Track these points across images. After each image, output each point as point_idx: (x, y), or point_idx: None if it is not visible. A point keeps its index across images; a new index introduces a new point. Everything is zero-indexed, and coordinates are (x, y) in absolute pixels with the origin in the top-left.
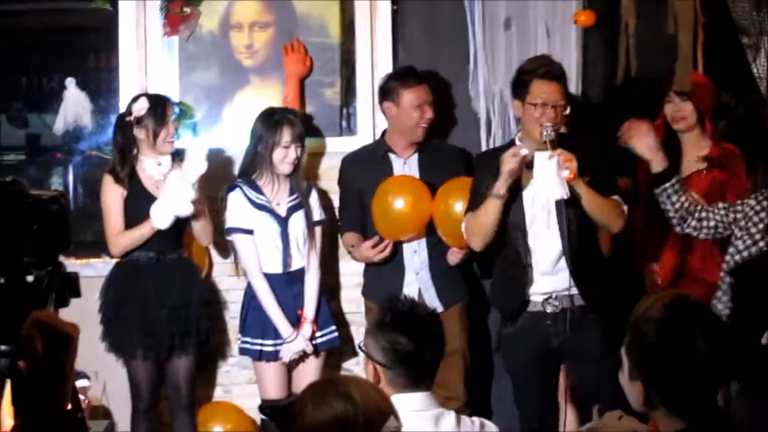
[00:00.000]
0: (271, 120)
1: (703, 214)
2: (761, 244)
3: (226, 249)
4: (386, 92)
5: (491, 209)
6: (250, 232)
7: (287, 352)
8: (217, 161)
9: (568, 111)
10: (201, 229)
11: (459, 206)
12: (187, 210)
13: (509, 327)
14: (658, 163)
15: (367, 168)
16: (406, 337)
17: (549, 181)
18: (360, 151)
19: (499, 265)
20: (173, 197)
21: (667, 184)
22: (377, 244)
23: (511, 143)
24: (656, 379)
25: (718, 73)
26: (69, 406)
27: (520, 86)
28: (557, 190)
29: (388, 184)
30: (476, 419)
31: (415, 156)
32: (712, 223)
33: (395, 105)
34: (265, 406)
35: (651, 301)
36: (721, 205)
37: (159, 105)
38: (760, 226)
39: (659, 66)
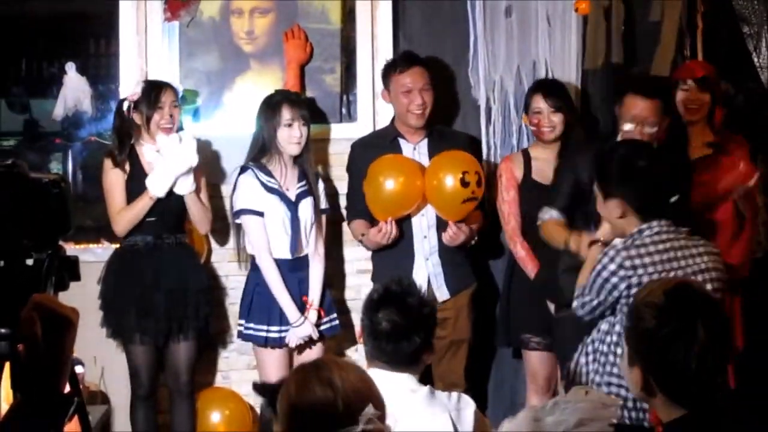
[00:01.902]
0: (271, 101)
1: None
2: None
3: (224, 235)
4: (382, 79)
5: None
6: (260, 214)
7: (294, 337)
8: (218, 148)
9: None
10: (199, 216)
11: (450, 180)
12: (181, 168)
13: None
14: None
15: (377, 153)
16: (387, 317)
17: None
18: (370, 137)
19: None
20: (166, 164)
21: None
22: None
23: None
24: (654, 366)
25: (719, 62)
26: (67, 389)
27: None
28: None
29: (377, 165)
30: (454, 393)
31: (425, 141)
32: None
33: (388, 91)
34: (259, 385)
35: (652, 287)
36: None
37: (153, 90)
38: None
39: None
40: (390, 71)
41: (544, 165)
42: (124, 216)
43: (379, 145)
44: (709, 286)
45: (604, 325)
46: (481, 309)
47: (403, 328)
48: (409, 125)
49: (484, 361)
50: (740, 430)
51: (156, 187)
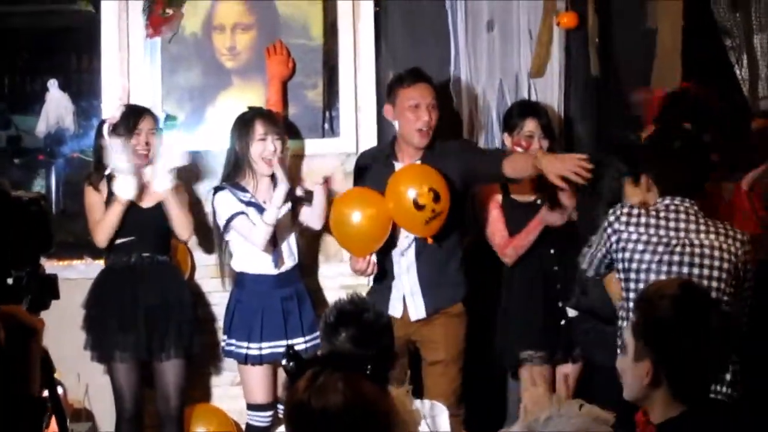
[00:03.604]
0: (244, 118)
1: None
2: None
3: (209, 248)
4: (387, 94)
5: None
6: (243, 212)
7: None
8: (199, 163)
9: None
10: (179, 221)
11: (411, 193)
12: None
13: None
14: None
15: (373, 171)
16: (348, 337)
17: None
18: (374, 151)
19: None
20: (126, 165)
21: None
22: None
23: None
24: (668, 355)
25: (701, 75)
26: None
27: None
28: None
29: (337, 206)
30: (426, 401)
31: (418, 163)
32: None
33: (393, 106)
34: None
35: (662, 283)
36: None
37: (132, 115)
38: None
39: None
40: (396, 86)
41: (523, 183)
42: (101, 225)
43: (377, 162)
44: (707, 262)
45: None
46: (476, 327)
47: (366, 343)
48: (411, 145)
49: (484, 380)
50: (737, 428)
51: (122, 189)
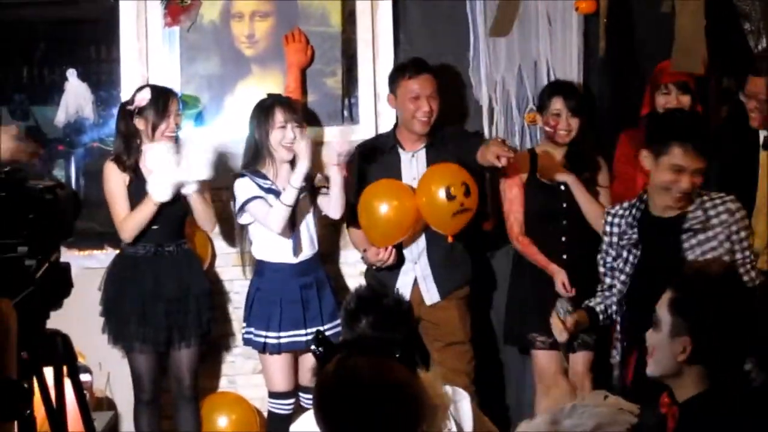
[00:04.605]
0: (263, 105)
1: None
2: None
3: (231, 238)
4: (389, 83)
5: None
6: (260, 196)
7: None
8: (219, 152)
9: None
10: (204, 216)
11: (441, 193)
12: (181, 176)
13: None
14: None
15: (376, 161)
16: (369, 324)
17: None
18: (373, 141)
19: None
20: (165, 168)
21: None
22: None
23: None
24: (707, 333)
25: (720, 59)
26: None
27: None
28: None
29: (367, 195)
30: (447, 387)
31: (423, 150)
32: None
33: (394, 96)
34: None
35: (705, 262)
36: None
37: (161, 97)
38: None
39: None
40: (398, 76)
41: (551, 164)
42: (129, 223)
43: (379, 151)
44: (710, 233)
45: None
46: (484, 307)
47: (387, 330)
48: (413, 131)
49: (489, 361)
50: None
51: (158, 192)
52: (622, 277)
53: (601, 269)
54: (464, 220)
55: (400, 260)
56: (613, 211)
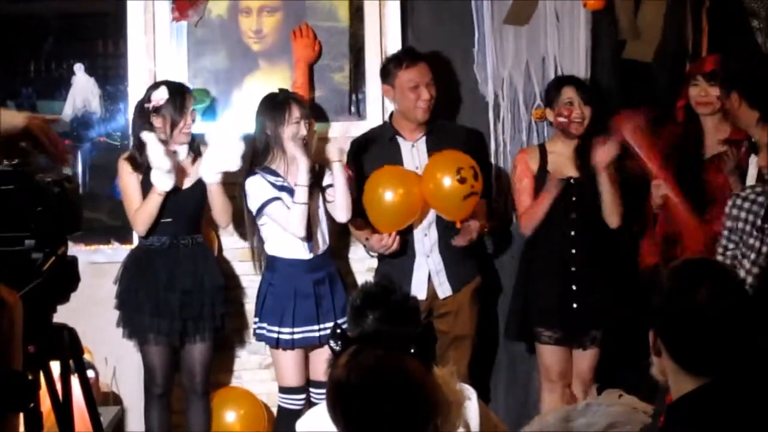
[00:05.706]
0: (276, 100)
1: None
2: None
3: (240, 232)
4: (384, 75)
5: None
6: (278, 198)
7: None
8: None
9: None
10: (222, 208)
11: (447, 180)
12: (171, 163)
13: None
14: None
15: (375, 152)
16: (376, 320)
17: None
18: (368, 134)
19: None
20: (161, 161)
21: None
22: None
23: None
24: (664, 326)
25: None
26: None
27: None
28: None
29: (373, 180)
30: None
31: (423, 139)
32: None
33: (392, 87)
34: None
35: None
36: None
37: (179, 95)
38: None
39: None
40: (394, 67)
41: (560, 159)
42: (139, 215)
43: (377, 143)
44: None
45: None
46: (489, 303)
47: (394, 326)
48: (414, 120)
49: (494, 357)
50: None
51: (160, 182)
52: (755, 270)
53: (720, 258)
54: (473, 204)
55: (403, 249)
56: (743, 194)
